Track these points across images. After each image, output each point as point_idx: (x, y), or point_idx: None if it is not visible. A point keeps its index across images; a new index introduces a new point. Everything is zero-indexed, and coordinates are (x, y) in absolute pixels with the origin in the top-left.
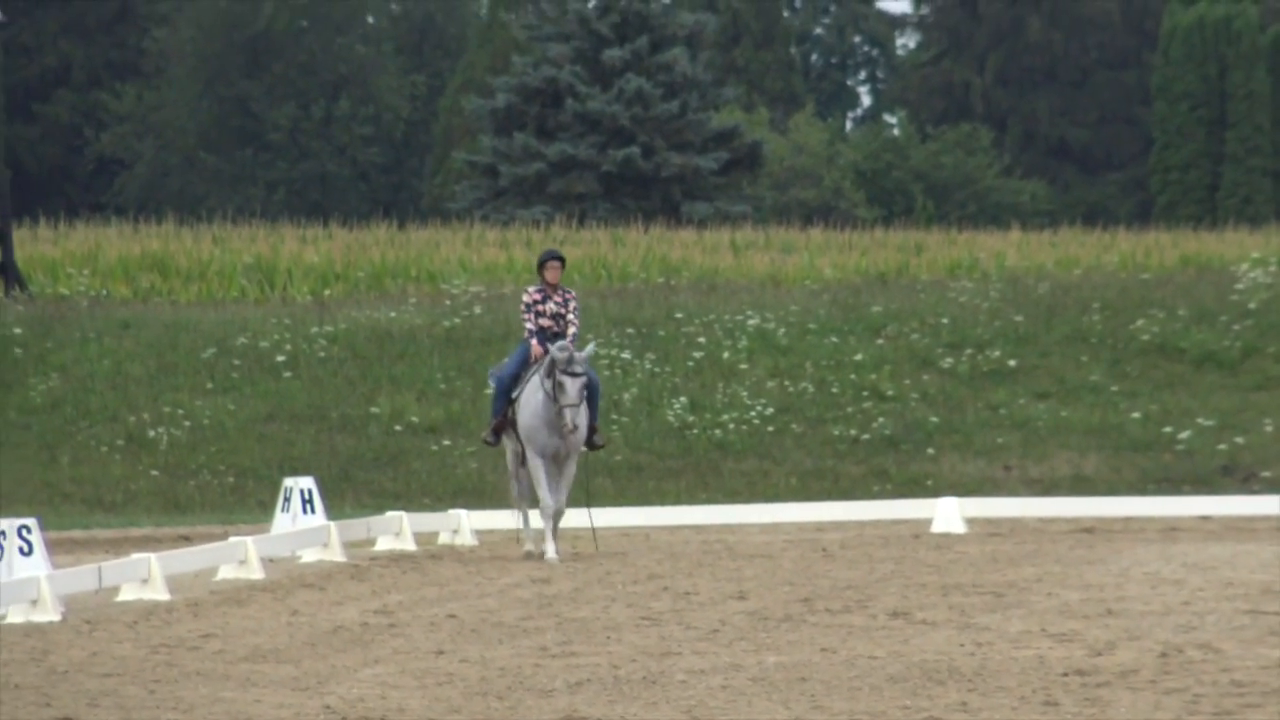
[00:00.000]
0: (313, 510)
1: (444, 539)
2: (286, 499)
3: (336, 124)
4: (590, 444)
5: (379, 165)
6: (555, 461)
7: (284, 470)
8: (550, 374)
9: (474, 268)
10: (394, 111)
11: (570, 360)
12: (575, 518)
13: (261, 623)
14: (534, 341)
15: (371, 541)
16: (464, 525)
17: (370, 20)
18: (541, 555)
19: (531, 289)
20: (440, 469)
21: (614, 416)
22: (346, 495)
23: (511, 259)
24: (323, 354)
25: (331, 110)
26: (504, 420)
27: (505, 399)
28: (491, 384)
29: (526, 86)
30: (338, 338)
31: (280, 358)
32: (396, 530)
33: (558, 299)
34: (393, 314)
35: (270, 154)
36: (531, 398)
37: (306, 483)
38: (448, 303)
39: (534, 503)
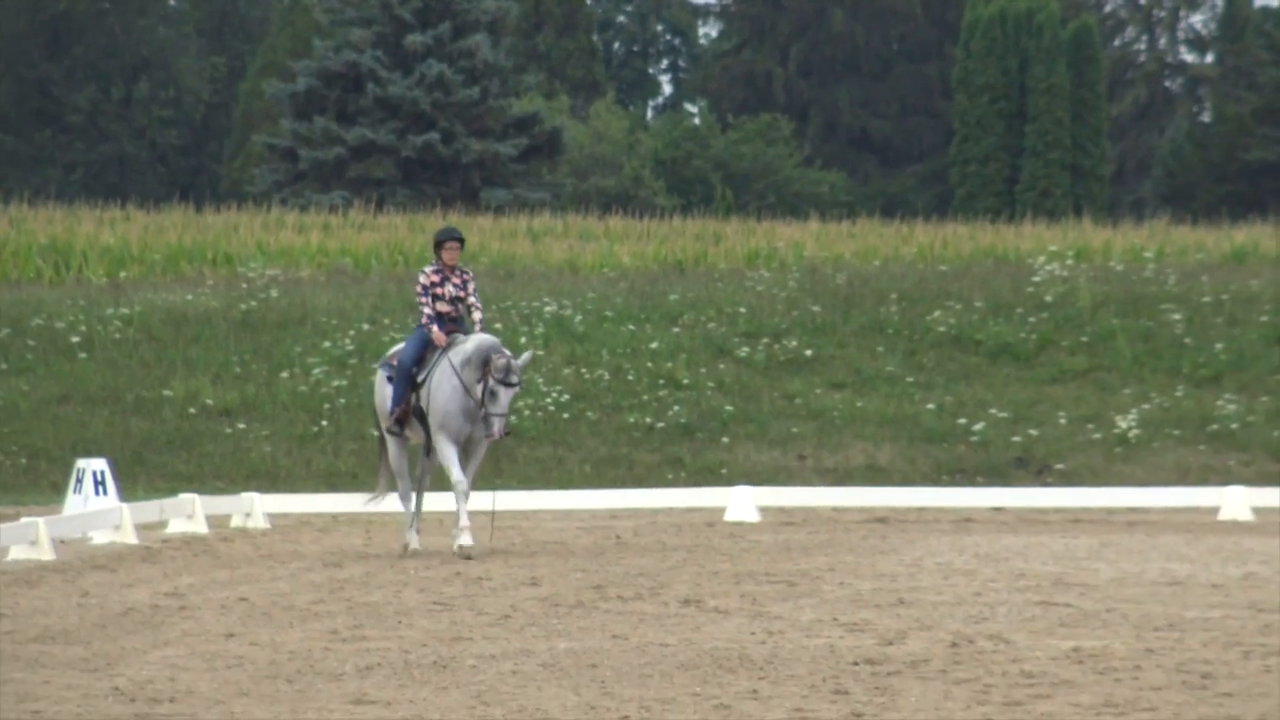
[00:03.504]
0: (105, 492)
1: (236, 522)
2: (79, 480)
3: (136, 106)
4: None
5: (178, 148)
6: (464, 446)
7: (77, 452)
8: (482, 376)
9: (271, 251)
10: (194, 94)
11: (508, 369)
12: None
13: (51, 604)
14: (434, 328)
15: (164, 524)
16: (256, 508)
17: (172, 2)
18: (450, 546)
19: (428, 269)
20: (234, 452)
21: None
22: (140, 477)
23: (309, 242)
24: (118, 336)
25: (132, 92)
26: (408, 408)
27: (407, 384)
28: (383, 373)
29: (327, 70)
30: (133, 320)
31: (75, 339)
32: (189, 513)
33: (456, 281)
34: (189, 296)
35: (69, 136)
36: (444, 383)
37: (99, 464)
38: (244, 286)
39: (421, 487)
